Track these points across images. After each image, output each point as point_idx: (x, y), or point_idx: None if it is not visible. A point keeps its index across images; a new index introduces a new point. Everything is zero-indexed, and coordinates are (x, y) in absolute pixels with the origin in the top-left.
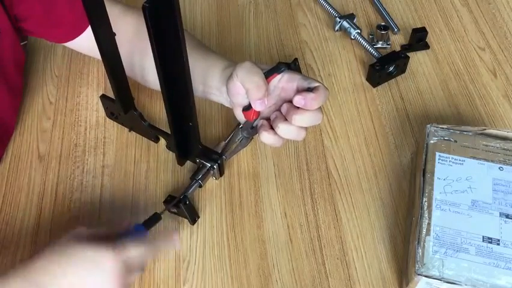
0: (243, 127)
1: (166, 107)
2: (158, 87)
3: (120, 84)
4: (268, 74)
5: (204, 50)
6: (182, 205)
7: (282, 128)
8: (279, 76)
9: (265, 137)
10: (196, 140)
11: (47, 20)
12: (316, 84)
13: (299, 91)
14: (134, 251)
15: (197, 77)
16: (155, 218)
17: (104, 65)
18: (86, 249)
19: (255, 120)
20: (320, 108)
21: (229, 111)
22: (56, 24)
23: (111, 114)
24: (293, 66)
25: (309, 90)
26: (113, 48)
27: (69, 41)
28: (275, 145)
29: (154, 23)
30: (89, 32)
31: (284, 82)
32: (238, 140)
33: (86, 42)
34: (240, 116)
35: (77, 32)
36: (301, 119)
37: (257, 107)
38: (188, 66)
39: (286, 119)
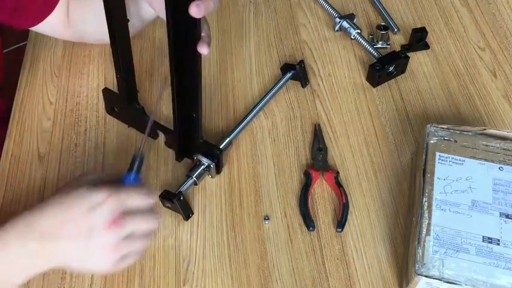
0: None
1: (173, 95)
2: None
3: (128, 70)
4: None
5: None
6: (176, 201)
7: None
8: None
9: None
10: (197, 132)
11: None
12: None
13: None
14: (132, 194)
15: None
16: (136, 159)
17: (113, 50)
18: (85, 190)
19: None
20: None
21: (230, 110)
22: (22, 7)
23: (111, 110)
24: (298, 68)
25: None
26: (125, 33)
27: (39, 22)
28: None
29: (173, 15)
30: (58, 10)
31: None
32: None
33: (55, 21)
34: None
35: (48, 10)
36: None
37: None
38: (201, 59)
39: None
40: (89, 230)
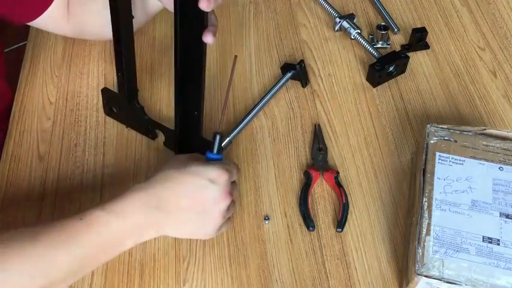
0: None
1: (176, 92)
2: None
3: (129, 68)
4: None
5: None
6: None
7: None
8: None
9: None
10: (198, 131)
11: None
12: None
13: None
14: (234, 169)
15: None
16: (220, 138)
17: (116, 47)
18: (200, 166)
19: None
20: None
21: (230, 110)
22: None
23: (110, 111)
24: (298, 68)
25: None
26: (129, 30)
27: (40, 14)
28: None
29: (182, 7)
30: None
31: None
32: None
33: (55, 12)
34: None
35: (48, 1)
36: None
37: None
38: (206, 55)
39: None
40: (206, 201)
